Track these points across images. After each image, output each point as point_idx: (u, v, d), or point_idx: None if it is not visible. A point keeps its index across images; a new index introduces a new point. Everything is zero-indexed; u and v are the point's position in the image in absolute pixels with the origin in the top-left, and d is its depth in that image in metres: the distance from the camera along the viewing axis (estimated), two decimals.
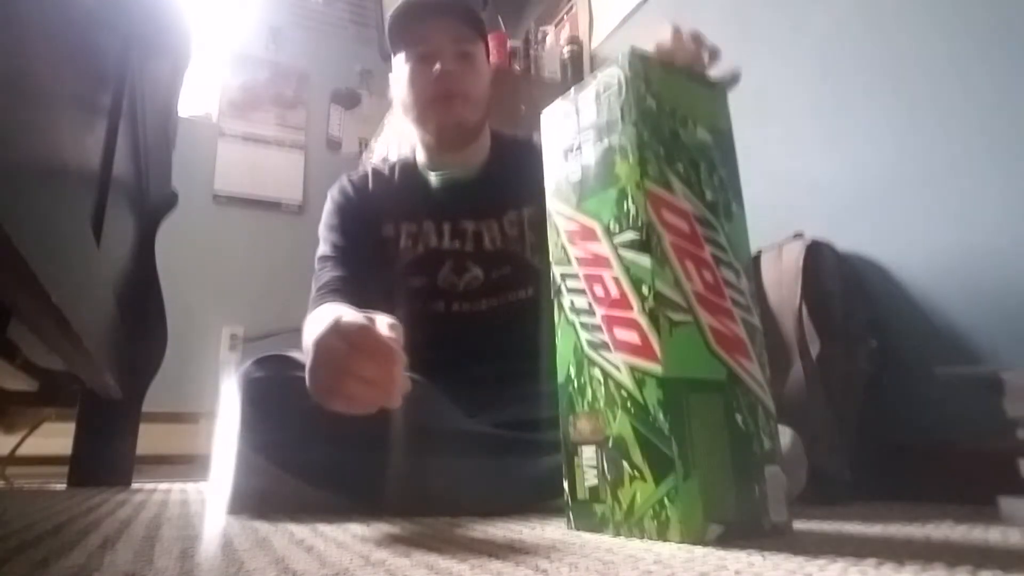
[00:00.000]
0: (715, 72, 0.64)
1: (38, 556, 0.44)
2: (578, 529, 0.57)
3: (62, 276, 0.52)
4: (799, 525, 0.58)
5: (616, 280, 0.55)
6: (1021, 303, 0.91)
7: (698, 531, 0.47)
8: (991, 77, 0.97)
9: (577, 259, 0.60)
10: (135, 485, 1.38)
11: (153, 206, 1.49)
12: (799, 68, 1.32)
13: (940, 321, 1.01)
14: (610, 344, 0.55)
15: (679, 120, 0.58)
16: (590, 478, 0.55)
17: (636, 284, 0.53)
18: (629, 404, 0.52)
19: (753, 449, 0.52)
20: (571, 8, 2.28)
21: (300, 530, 0.59)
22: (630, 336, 0.53)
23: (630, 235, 0.54)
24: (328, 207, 1.06)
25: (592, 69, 2.10)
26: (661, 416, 0.49)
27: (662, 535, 0.48)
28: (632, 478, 0.51)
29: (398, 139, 2.25)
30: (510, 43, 2.16)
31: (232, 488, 0.75)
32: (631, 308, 0.53)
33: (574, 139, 0.62)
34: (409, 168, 1.08)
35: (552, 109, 0.66)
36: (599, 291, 0.57)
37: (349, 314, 0.62)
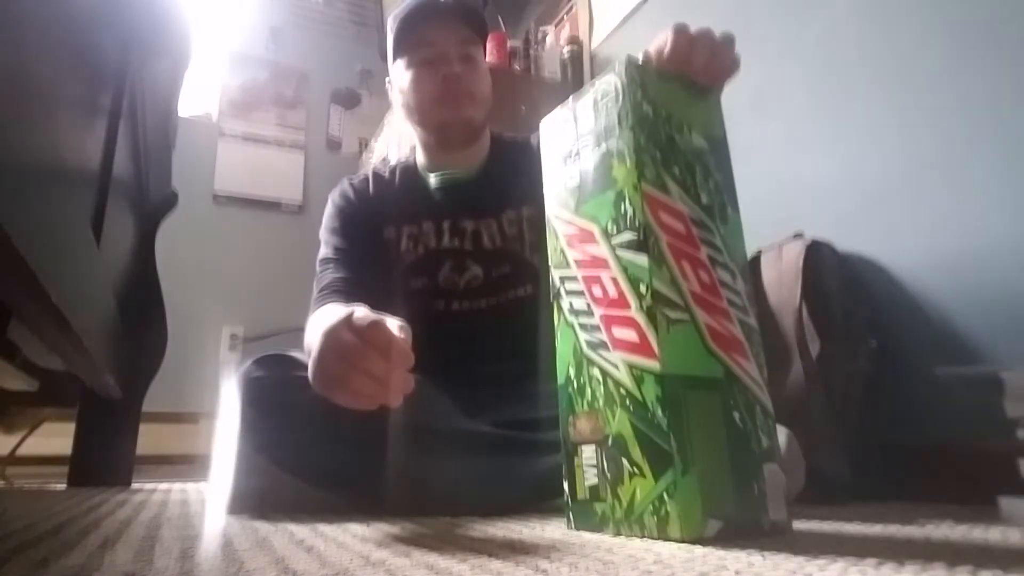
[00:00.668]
0: (712, 68, 0.63)
1: (38, 556, 0.44)
2: (578, 529, 0.57)
3: (62, 276, 0.52)
4: (799, 525, 0.58)
5: (614, 280, 0.55)
6: (1021, 303, 0.91)
7: (697, 526, 0.47)
8: (992, 77, 0.97)
9: (575, 261, 0.60)
10: (135, 485, 1.38)
11: (153, 206, 1.49)
12: (799, 68, 1.32)
13: (940, 321, 1.01)
14: (608, 343, 0.55)
15: (675, 126, 0.58)
16: (590, 477, 0.56)
17: (634, 283, 0.53)
18: (628, 402, 0.52)
19: (751, 447, 0.53)
20: (571, 8, 2.28)
21: (300, 530, 0.59)
22: (628, 334, 0.53)
23: (628, 236, 0.54)
24: (329, 210, 1.06)
25: (592, 69, 2.10)
26: (659, 412, 0.49)
27: (662, 531, 0.48)
28: (632, 475, 0.51)
29: (398, 139, 2.26)
30: (510, 43, 2.16)
31: (232, 488, 0.75)
32: (629, 307, 0.53)
33: (573, 145, 0.62)
34: (409, 170, 1.09)
35: (551, 117, 0.67)
36: (597, 292, 0.57)
37: (361, 310, 0.62)
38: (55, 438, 1.46)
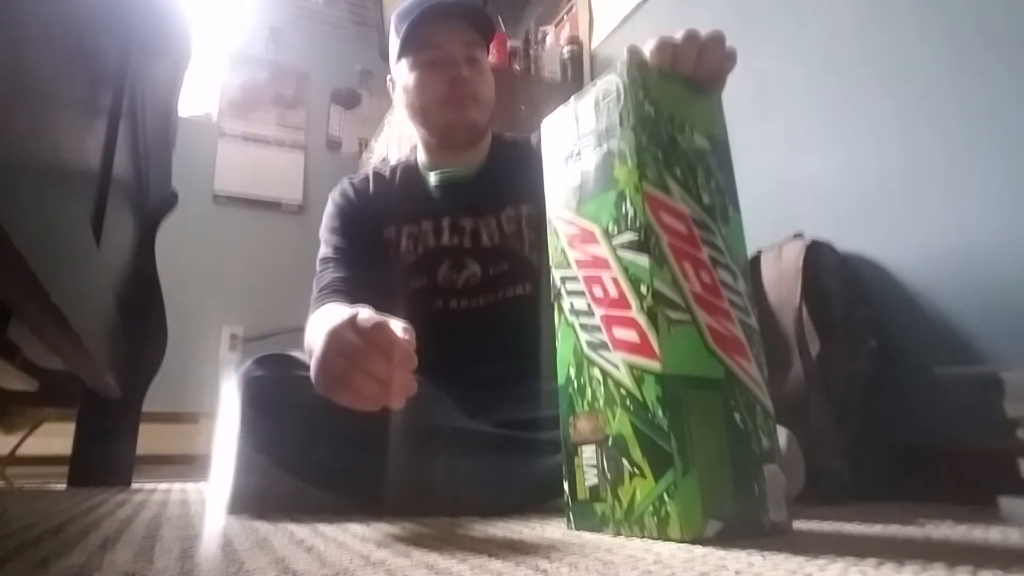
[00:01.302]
0: (702, 69, 0.62)
1: (38, 556, 0.44)
2: (578, 529, 0.57)
3: (62, 276, 0.52)
4: (799, 525, 0.58)
5: (615, 280, 0.55)
6: (1021, 303, 0.91)
7: (698, 527, 0.47)
8: (992, 77, 0.97)
9: (576, 262, 0.60)
10: (135, 485, 1.38)
11: (153, 206, 1.49)
12: (799, 68, 1.32)
13: (940, 321, 1.01)
14: (609, 343, 0.55)
15: (677, 126, 0.58)
16: (590, 477, 0.56)
17: (635, 283, 0.53)
18: (628, 402, 0.52)
19: (751, 447, 0.53)
20: (571, 8, 2.28)
21: (300, 530, 0.59)
22: (629, 335, 0.53)
23: (629, 236, 0.54)
24: (329, 210, 1.06)
25: (592, 69, 2.10)
26: (660, 413, 0.49)
27: (662, 531, 0.48)
28: (632, 475, 0.51)
29: (398, 139, 2.26)
30: (510, 43, 2.16)
31: (232, 488, 0.75)
32: (629, 307, 0.53)
33: (574, 146, 0.62)
34: (409, 170, 1.09)
35: (552, 118, 0.67)
36: (598, 292, 0.57)
37: (366, 311, 0.62)
38: (55, 438, 1.46)
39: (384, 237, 1.02)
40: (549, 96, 1.87)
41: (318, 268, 1.00)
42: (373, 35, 3.12)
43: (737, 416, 0.52)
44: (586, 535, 0.54)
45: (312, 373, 0.63)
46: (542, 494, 0.73)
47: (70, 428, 1.37)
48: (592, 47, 2.12)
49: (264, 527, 0.61)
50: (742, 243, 0.59)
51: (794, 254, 1.05)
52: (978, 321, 0.96)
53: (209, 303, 2.70)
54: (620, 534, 0.52)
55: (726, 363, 0.53)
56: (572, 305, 0.60)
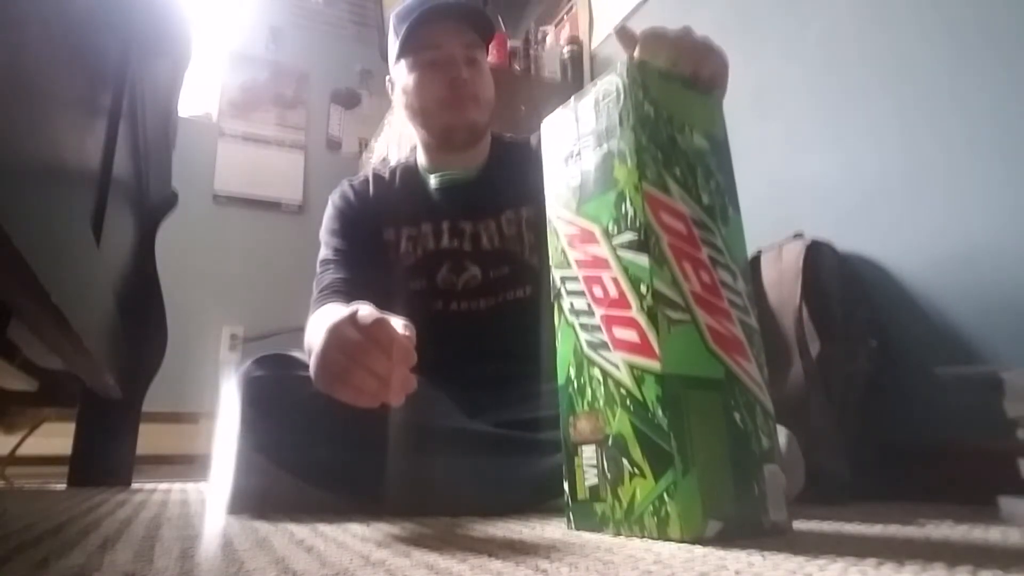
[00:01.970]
0: (710, 67, 0.63)
1: (38, 556, 0.44)
2: (578, 529, 0.57)
3: (62, 276, 0.52)
4: (799, 525, 0.58)
5: (615, 280, 0.55)
6: (1021, 303, 0.91)
7: (698, 527, 0.47)
8: (992, 77, 0.97)
9: (576, 262, 0.60)
10: (135, 485, 1.38)
11: (153, 206, 1.49)
12: (799, 68, 1.32)
13: (940, 321, 1.01)
14: (609, 343, 0.55)
15: (676, 126, 0.58)
16: (590, 477, 0.56)
17: (634, 283, 0.53)
18: (628, 402, 0.52)
19: (751, 447, 0.53)
20: (571, 8, 2.28)
21: (300, 530, 0.59)
22: (629, 335, 0.53)
23: (628, 236, 0.54)
24: (329, 212, 1.06)
25: (592, 69, 2.10)
26: (660, 413, 0.49)
27: (662, 532, 0.48)
28: (632, 475, 0.51)
29: (398, 139, 2.26)
30: (510, 43, 2.16)
31: (232, 488, 0.75)
32: (629, 307, 0.53)
33: (574, 146, 0.62)
34: (409, 171, 1.09)
35: (552, 118, 0.67)
36: (598, 292, 0.57)
37: (366, 308, 0.62)
38: (55, 438, 1.46)
39: (384, 239, 1.02)
40: (549, 96, 1.87)
41: (318, 270, 1.00)
42: (373, 35, 3.12)
43: (737, 416, 0.52)
44: (586, 535, 0.54)
45: (312, 369, 0.63)
46: (542, 494, 0.73)
47: (70, 428, 1.37)
48: (592, 47, 2.12)
49: (264, 527, 0.61)
50: (742, 243, 0.59)
51: (794, 254, 1.05)
52: (978, 321, 0.96)
53: (209, 303, 2.70)
54: (620, 534, 0.52)
55: (726, 363, 0.53)
56: (572, 305, 0.60)
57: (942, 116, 1.03)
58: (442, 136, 1.03)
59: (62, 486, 1.34)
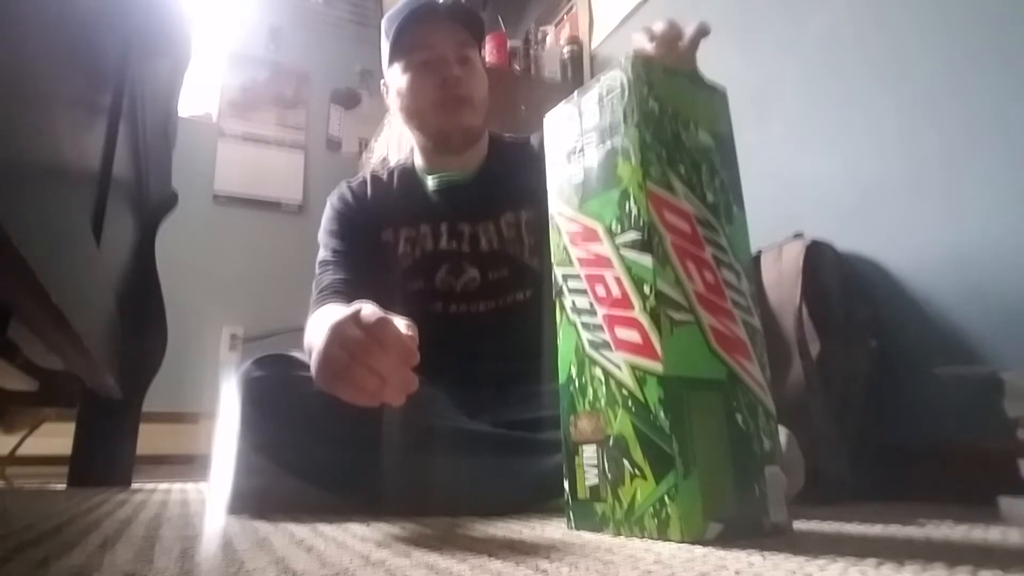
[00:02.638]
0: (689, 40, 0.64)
1: (38, 556, 0.44)
2: (578, 529, 0.57)
3: (62, 276, 0.52)
4: (799, 525, 0.58)
5: (618, 280, 0.55)
6: (1021, 303, 0.91)
7: (698, 529, 0.47)
8: (993, 76, 0.97)
9: (579, 260, 0.60)
10: (135, 485, 1.38)
11: (153, 206, 1.49)
12: (800, 68, 1.32)
13: (940, 321, 1.01)
14: (611, 343, 0.55)
15: (681, 123, 0.58)
16: (591, 477, 0.55)
17: (637, 283, 0.53)
18: (630, 403, 0.52)
19: (753, 449, 0.53)
20: (571, 8, 2.28)
21: (300, 530, 0.59)
22: (631, 335, 0.53)
23: (632, 235, 0.54)
24: (328, 213, 1.06)
25: (592, 69, 2.10)
26: (662, 414, 0.49)
27: (662, 533, 0.48)
28: (633, 476, 0.51)
29: (398, 139, 2.25)
30: (510, 43, 2.16)
31: (232, 488, 0.75)
32: (632, 307, 0.53)
33: (577, 142, 0.62)
34: (407, 173, 1.09)
35: (555, 112, 0.66)
36: (600, 291, 0.57)
37: (369, 307, 0.62)
38: (55, 438, 1.45)
39: (382, 240, 1.02)
40: (549, 96, 1.86)
41: (317, 271, 1.00)
42: (373, 35, 3.11)
43: (739, 417, 0.52)
44: (586, 535, 0.54)
45: (312, 367, 0.63)
46: (542, 494, 0.73)
47: (70, 428, 1.37)
48: (592, 47, 2.12)
49: (264, 527, 0.61)
50: (746, 242, 0.59)
51: (794, 254, 1.05)
52: (978, 322, 0.96)
53: (209, 303, 2.70)
54: (620, 534, 0.52)
55: (728, 364, 0.53)
56: (574, 303, 0.60)
57: (942, 116, 1.03)
58: (438, 139, 1.03)
59: (62, 486, 1.34)
